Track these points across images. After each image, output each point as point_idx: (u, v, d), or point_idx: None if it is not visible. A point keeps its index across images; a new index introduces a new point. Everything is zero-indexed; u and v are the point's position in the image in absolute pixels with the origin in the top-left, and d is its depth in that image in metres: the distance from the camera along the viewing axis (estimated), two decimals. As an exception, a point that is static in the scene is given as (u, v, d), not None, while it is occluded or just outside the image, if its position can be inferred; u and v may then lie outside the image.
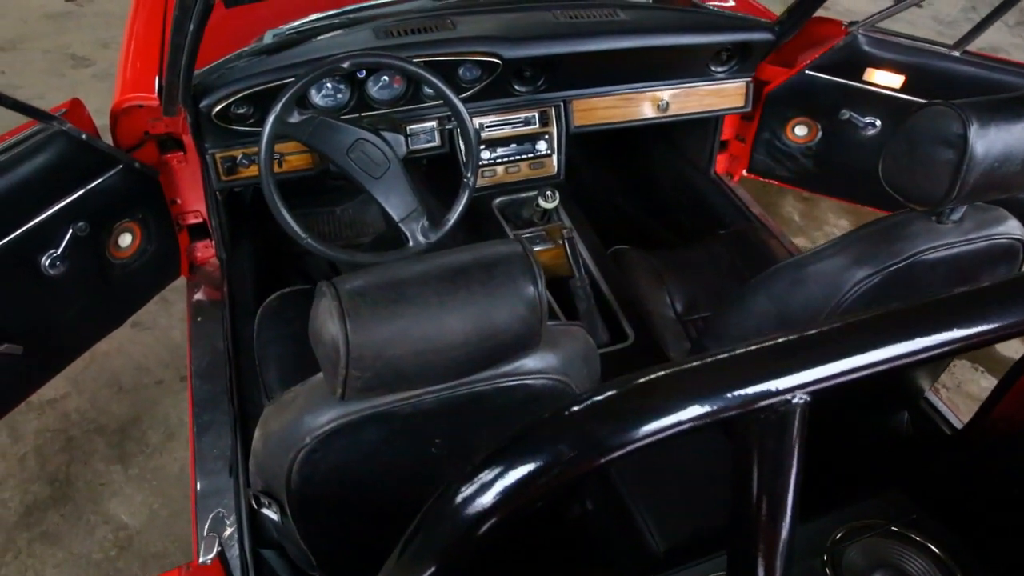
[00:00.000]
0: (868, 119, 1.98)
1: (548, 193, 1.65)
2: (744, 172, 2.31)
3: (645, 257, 1.84)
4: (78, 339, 1.60)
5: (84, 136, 1.39)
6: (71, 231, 1.42)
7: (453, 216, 1.51)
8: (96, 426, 1.98)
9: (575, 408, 0.45)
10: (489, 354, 0.80)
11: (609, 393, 0.45)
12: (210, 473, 1.43)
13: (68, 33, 3.85)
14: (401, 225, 1.49)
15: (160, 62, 1.64)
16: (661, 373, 0.45)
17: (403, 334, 0.74)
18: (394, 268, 0.78)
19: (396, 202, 1.48)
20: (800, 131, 2.13)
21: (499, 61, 1.61)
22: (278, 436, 0.88)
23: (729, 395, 0.43)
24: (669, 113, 1.96)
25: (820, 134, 2.09)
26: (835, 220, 2.88)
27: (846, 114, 1.99)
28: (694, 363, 0.45)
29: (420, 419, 0.86)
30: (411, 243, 1.50)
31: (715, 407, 0.43)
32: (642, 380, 0.45)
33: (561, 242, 1.70)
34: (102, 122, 1.51)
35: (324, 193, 2.34)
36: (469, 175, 1.51)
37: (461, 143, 1.75)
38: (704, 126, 2.20)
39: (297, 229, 1.42)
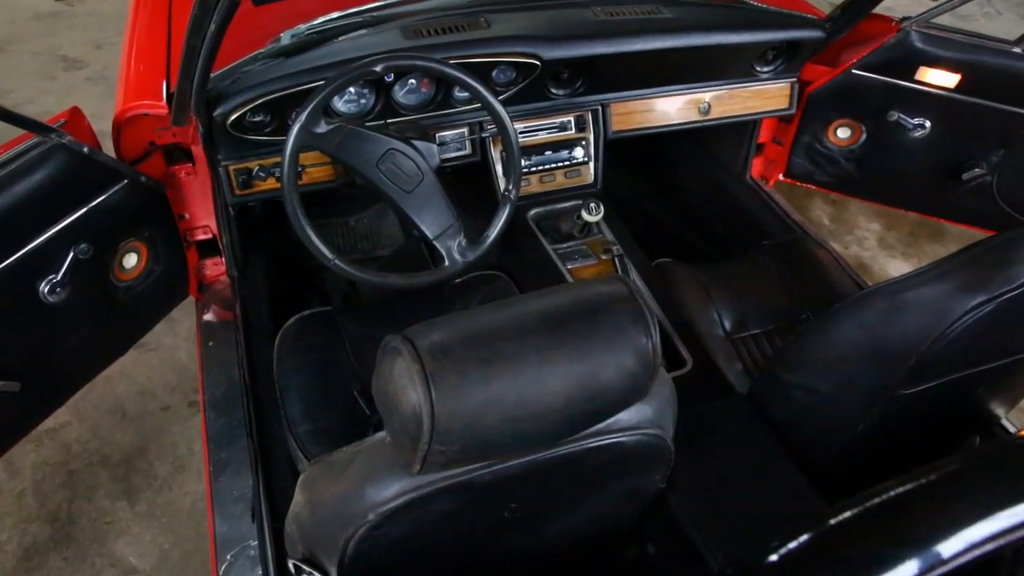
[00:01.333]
0: (917, 120, 1.86)
1: (592, 205, 1.52)
2: (780, 176, 2.20)
3: (690, 271, 1.72)
4: (80, 370, 1.47)
5: (86, 150, 1.26)
6: (72, 254, 1.29)
7: (493, 232, 1.38)
8: (99, 458, 1.84)
9: None
10: (591, 417, 0.68)
11: None
12: (230, 517, 1.30)
13: (59, 34, 3.69)
14: (436, 243, 1.37)
15: (166, 66, 1.50)
16: None
17: (497, 400, 0.62)
18: (479, 316, 0.66)
19: (430, 218, 1.36)
20: (842, 133, 2.02)
21: (538, 63, 1.49)
22: (332, 508, 0.75)
23: None
24: (711, 116, 1.84)
25: (864, 136, 1.98)
26: (866, 224, 2.77)
27: (894, 115, 1.88)
28: None
29: (499, 486, 0.73)
30: (447, 262, 1.38)
31: None
32: None
33: (604, 257, 1.58)
34: (98, 127, 1.38)
35: (336, 203, 2.21)
36: (511, 187, 1.38)
37: (493, 152, 1.62)
38: (740, 129, 2.08)
39: (325, 250, 1.29)
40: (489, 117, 1.58)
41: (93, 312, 1.42)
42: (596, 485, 0.84)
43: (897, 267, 2.61)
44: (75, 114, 1.34)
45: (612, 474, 0.82)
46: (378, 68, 1.23)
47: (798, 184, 2.22)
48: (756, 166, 2.21)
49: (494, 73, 1.53)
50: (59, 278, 1.27)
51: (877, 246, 2.68)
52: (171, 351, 2.09)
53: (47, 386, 1.37)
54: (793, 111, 1.92)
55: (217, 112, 1.33)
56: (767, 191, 2.15)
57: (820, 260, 1.82)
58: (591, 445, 0.74)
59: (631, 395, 0.69)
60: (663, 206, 2.30)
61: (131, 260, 1.47)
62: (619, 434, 0.75)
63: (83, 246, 1.30)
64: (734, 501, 1.15)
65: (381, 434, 0.75)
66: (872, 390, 1.09)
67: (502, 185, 1.65)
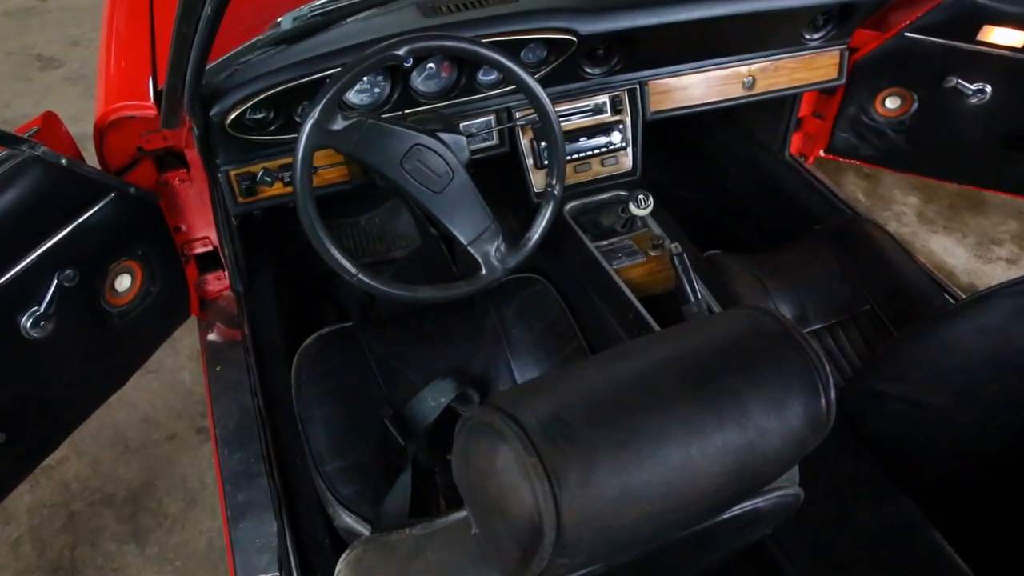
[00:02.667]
0: (977, 85, 1.70)
1: (640, 196, 1.35)
2: (821, 152, 2.04)
3: (742, 263, 1.56)
4: (74, 410, 1.31)
5: (64, 161, 1.08)
6: (56, 281, 1.12)
7: (535, 234, 1.22)
8: (102, 496, 1.68)
9: None
10: (744, 495, 0.52)
11: None
12: (255, 571, 1.15)
13: (32, 32, 3.47)
14: (471, 248, 1.20)
15: (151, 62, 1.32)
16: None
17: (638, 495, 0.46)
18: (596, 375, 0.50)
19: (464, 221, 1.19)
20: (891, 103, 1.85)
21: (574, 38, 1.31)
22: None
23: None
24: (755, 91, 1.67)
25: (916, 106, 1.82)
26: (903, 198, 2.61)
27: (952, 81, 1.71)
28: None
29: (616, 574, 0.58)
30: (484, 270, 1.21)
31: None
32: None
33: (654, 254, 1.42)
34: (80, 130, 1.21)
35: (344, 201, 2.04)
36: (554, 181, 1.22)
37: (523, 141, 1.45)
38: (779, 103, 1.91)
39: (348, 264, 1.13)
40: (517, 101, 1.42)
41: (84, 344, 1.25)
42: (714, 550, 0.69)
43: (940, 243, 2.46)
44: (49, 120, 1.17)
45: (735, 538, 0.67)
46: (401, 51, 1.05)
47: (841, 160, 2.06)
48: (794, 142, 2.05)
49: (522, 53, 1.36)
50: (42, 310, 1.11)
51: (917, 221, 2.53)
52: (173, 373, 1.93)
53: (37, 433, 1.21)
54: (842, 81, 1.75)
55: (214, 111, 1.15)
56: (808, 169, 1.99)
57: (878, 243, 1.66)
58: (725, 517, 0.58)
59: (793, 463, 0.53)
60: (698, 192, 2.14)
61: (124, 282, 1.30)
62: (759, 499, 0.59)
63: (68, 271, 1.13)
64: (839, 534, 1.00)
65: (457, 517, 0.59)
66: (995, 404, 0.94)
67: (534, 178, 1.48)
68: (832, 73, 1.74)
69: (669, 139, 2.19)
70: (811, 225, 1.78)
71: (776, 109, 1.94)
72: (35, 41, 3.39)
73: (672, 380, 0.48)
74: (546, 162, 1.46)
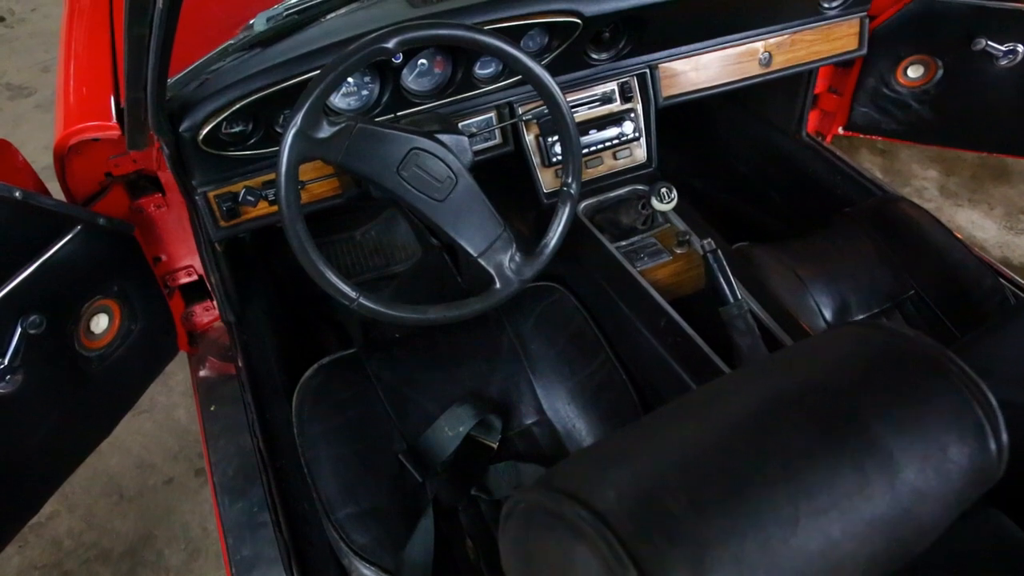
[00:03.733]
0: (1008, 46, 1.58)
1: (663, 190, 1.23)
2: (840, 130, 1.92)
3: (773, 254, 1.44)
4: (55, 466, 1.18)
5: (18, 194, 0.96)
6: (20, 329, 1.00)
7: (553, 239, 1.10)
8: (98, 552, 1.55)
9: None
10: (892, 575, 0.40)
11: None
12: (266, 636, 1.03)
13: (0, 60, 3.34)
14: (482, 261, 1.08)
15: (114, 79, 1.20)
16: None
17: None
18: (687, 422, 0.37)
19: (472, 230, 1.07)
20: (914, 72, 1.73)
21: (579, 21, 1.19)
22: None
23: None
24: (772, 68, 1.55)
25: (940, 73, 1.70)
26: (922, 172, 2.49)
27: (980, 43, 1.59)
28: None
29: None
30: (498, 283, 1.09)
31: None
32: None
33: (680, 251, 1.30)
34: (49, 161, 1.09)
35: (336, 215, 1.91)
36: (570, 180, 1.10)
37: (528, 138, 1.33)
38: (793, 80, 1.79)
39: (346, 288, 1.00)
40: (518, 95, 1.30)
41: (60, 395, 1.13)
42: None
43: (967, 216, 2.34)
44: (2, 150, 1.04)
45: None
46: (391, 44, 0.93)
47: (862, 136, 1.94)
48: (810, 121, 1.93)
49: (522, 40, 1.24)
50: (7, 362, 0.99)
51: (940, 195, 2.41)
52: (167, 411, 1.80)
53: (14, 498, 1.09)
54: (863, 52, 1.63)
55: (184, 126, 1.03)
56: (829, 148, 1.87)
57: (917, 223, 1.54)
58: None
59: (947, 526, 0.41)
60: (709, 181, 2.01)
61: (101, 323, 1.18)
62: None
63: (33, 318, 1.01)
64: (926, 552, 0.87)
65: None
66: None
67: (543, 178, 1.36)
68: (852, 44, 1.61)
69: (674, 126, 2.07)
70: (838, 208, 1.66)
71: (789, 87, 1.82)
72: (4, 69, 3.26)
73: (793, 433, 0.36)
74: (555, 159, 1.34)
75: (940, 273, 1.44)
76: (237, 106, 1.04)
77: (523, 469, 1.18)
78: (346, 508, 1.10)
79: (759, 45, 1.51)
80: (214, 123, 1.04)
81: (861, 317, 1.41)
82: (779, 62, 1.55)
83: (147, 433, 1.75)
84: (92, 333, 1.16)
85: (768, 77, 1.55)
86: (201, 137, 1.05)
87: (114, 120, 1.07)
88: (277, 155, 0.95)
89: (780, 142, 1.90)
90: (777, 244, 1.50)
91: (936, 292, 1.43)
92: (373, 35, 0.93)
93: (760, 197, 1.91)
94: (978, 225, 2.30)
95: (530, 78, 1.04)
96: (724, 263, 1.11)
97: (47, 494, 1.17)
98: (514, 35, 1.21)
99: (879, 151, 2.58)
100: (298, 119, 0.92)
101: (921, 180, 2.47)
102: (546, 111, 1.28)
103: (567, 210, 1.09)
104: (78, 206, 1.12)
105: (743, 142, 1.98)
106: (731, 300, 1.09)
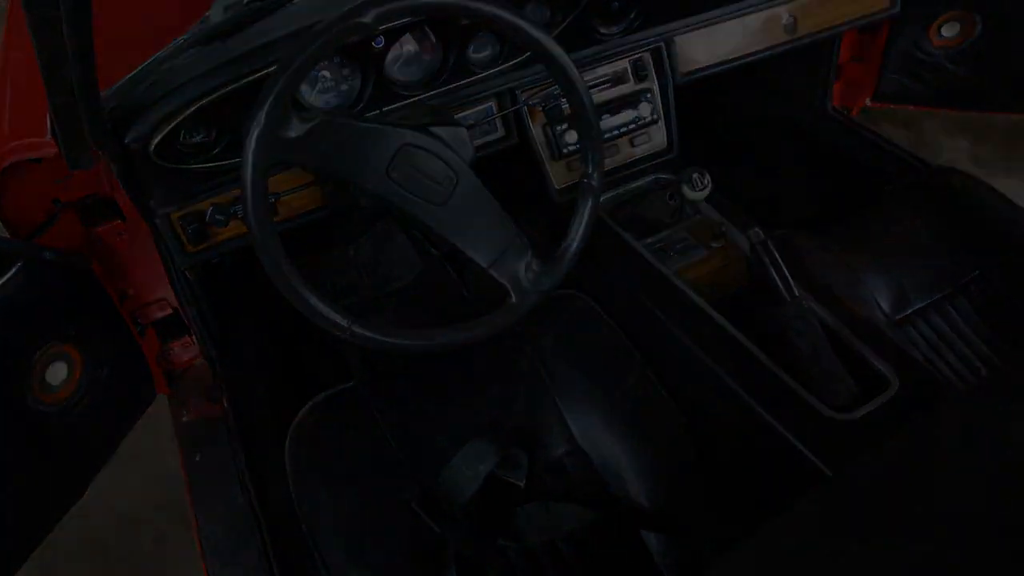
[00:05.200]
0: (1054, -8, 1.43)
1: (696, 176, 1.07)
2: (868, 101, 1.76)
3: (817, 241, 1.28)
4: (17, 543, 1.02)
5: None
6: None
7: (575, 240, 0.94)
8: (82, 625, 1.39)
9: None
10: None
11: None
12: None
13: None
14: (493, 272, 0.92)
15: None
16: None
17: None
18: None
19: (480, 237, 0.91)
20: (948, 31, 1.57)
21: (584, -12, 1.03)
22: None
23: None
24: (799, 34, 1.39)
25: (979, 29, 1.54)
26: (951, 142, 2.33)
27: None
28: None
29: None
30: (514, 297, 0.93)
31: None
32: None
33: (716, 245, 1.13)
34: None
35: (324, 229, 1.75)
36: (591, 171, 0.94)
37: (534, 128, 1.17)
38: (814, 49, 1.63)
39: (335, 317, 0.84)
40: (519, 80, 1.14)
41: (15, 460, 0.97)
42: None
43: (1006, 185, 2.14)
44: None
45: None
46: (368, 18, 0.77)
47: (884, 108, 1.79)
48: (833, 95, 1.77)
49: (521, 15, 1.08)
50: (-59, 430, 0.83)
51: (973, 166, 2.25)
52: (154, 457, 1.63)
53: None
54: (896, 10, 1.47)
55: (131, 136, 0.87)
56: (858, 121, 1.71)
57: (973, 195, 1.39)
58: None
59: None
60: (727, 165, 1.85)
61: (58, 372, 1.02)
62: None
63: (-31, 375, 0.85)
64: None
65: None
66: None
67: (554, 172, 1.20)
68: (883, 2, 1.46)
69: (681, 109, 1.92)
70: (875, 186, 1.50)
71: (809, 57, 1.66)
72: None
73: None
74: (565, 151, 1.18)
75: (1008, 250, 1.28)
76: (192, 108, 0.88)
77: (557, 510, 1.01)
78: (355, 571, 0.94)
79: (782, 9, 1.36)
80: (167, 130, 0.89)
81: (921, 305, 1.25)
82: (805, 27, 1.39)
83: (132, 485, 1.58)
84: (48, 385, 1.01)
85: (795, 44, 1.39)
86: (153, 148, 0.89)
87: (48, 136, 0.91)
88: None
89: (805, 118, 1.74)
90: (818, 229, 1.34)
91: (1004, 272, 1.27)
92: (347, 9, 0.77)
93: (788, 180, 1.75)
94: (1019, 196, 2.13)
95: (538, 52, 0.88)
96: (776, 255, 0.95)
97: (14, 567, 1.01)
98: (511, 9, 1.05)
99: (902, 123, 2.41)
100: (261, 116, 0.76)
101: (952, 151, 2.31)
102: (554, 95, 1.13)
103: (589, 206, 0.93)
104: (18, 240, 0.96)
105: (762, 121, 1.82)
106: (788, 298, 0.93)
